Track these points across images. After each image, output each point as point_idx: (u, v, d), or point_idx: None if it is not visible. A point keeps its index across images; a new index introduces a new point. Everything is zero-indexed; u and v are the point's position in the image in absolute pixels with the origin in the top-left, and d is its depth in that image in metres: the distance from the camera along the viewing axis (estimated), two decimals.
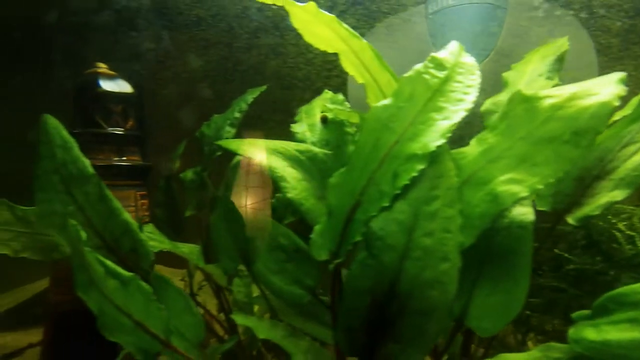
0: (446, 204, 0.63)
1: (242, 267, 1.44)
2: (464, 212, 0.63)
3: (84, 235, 0.75)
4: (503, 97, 1.09)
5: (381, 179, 0.70)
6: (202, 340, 0.87)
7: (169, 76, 1.60)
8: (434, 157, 0.66)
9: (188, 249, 1.27)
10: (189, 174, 1.38)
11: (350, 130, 1.08)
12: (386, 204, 0.66)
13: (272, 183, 1.29)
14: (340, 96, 1.20)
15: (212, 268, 1.23)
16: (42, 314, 1.65)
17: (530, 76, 1.09)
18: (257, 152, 1.30)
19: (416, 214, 0.64)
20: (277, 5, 0.76)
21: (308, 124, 1.17)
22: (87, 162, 0.90)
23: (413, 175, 0.65)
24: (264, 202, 1.29)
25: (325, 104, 1.25)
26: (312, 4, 0.77)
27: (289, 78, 1.55)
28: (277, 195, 1.38)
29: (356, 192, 0.72)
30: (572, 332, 0.63)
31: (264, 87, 1.49)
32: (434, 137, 0.67)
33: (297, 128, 1.15)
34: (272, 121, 1.13)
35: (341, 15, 1.38)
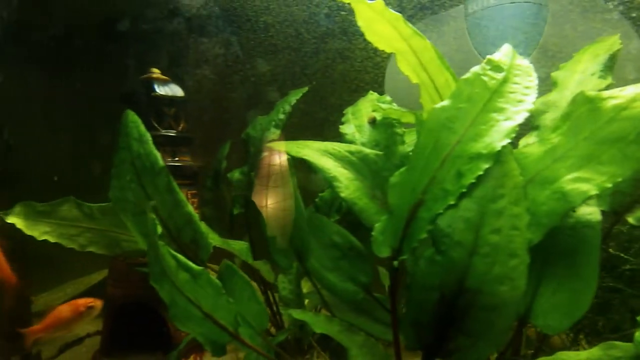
0: (512, 202, 0.65)
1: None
2: (530, 210, 0.65)
3: (159, 229, 0.80)
4: (553, 96, 1.09)
5: (444, 178, 0.71)
6: (265, 328, 0.90)
7: (238, 80, 1.67)
8: (498, 157, 0.68)
9: (237, 246, 1.31)
10: (235, 174, 1.43)
11: (399, 130, 1.10)
12: (452, 202, 0.68)
13: (324, 183, 1.32)
14: (388, 97, 1.22)
15: (260, 264, 1.27)
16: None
17: (581, 75, 1.08)
18: (278, 152, 1.34)
19: (483, 211, 0.66)
20: (345, 11, 0.79)
21: (356, 125, 1.19)
22: (158, 155, 0.97)
23: (479, 174, 0.67)
24: (285, 202, 1.32)
25: (370, 105, 1.27)
26: (380, 1, 0.80)
27: (357, 81, 1.59)
28: (321, 194, 1.42)
29: (418, 190, 0.74)
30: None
31: (306, 89, 1.53)
32: (498, 137, 0.69)
33: (346, 129, 1.18)
34: (340, 123, 1.17)
35: (409, 20, 1.41)
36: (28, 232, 1.03)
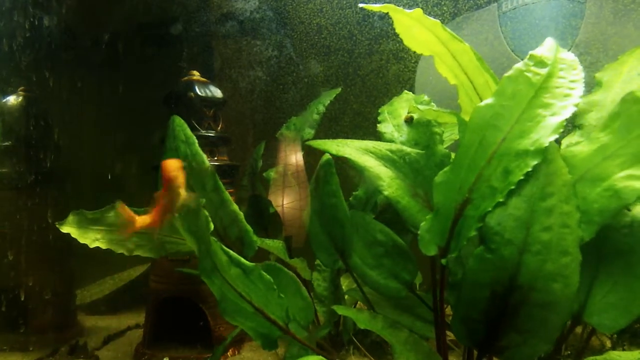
0: (562, 199, 0.65)
1: (318, 261, 1.50)
2: (580, 207, 0.65)
3: (212, 226, 0.84)
4: (597, 96, 1.08)
5: (491, 175, 0.72)
6: (310, 322, 0.93)
7: (290, 81, 1.71)
8: (545, 154, 0.68)
9: (274, 244, 1.34)
10: (272, 173, 1.46)
11: (438, 130, 1.11)
12: (500, 200, 0.68)
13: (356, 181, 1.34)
14: (426, 97, 1.23)
15: (296, 262, 1.30)
16: (133, 300, 1.81)
17: (627, 76, 1.07)
18: (293, 152, 1.36)
19: (532, 209, 0.66)
20: None
21: (394, 125, 1.21)
22: (204, 156, 1.01)
23: (527, 171, 0.68)
24: (301, 201, 1.33)
25: (406, 104, 1.28)
26: (419, 10, 0.82)
27: (411, 82, 1.62)
28: (355, 193, 1.44)
29: (464, 189, 0.75)
30: None
31: (338, 90, 1.56)
32: (545, 133, 0.69)
33: (384, 128, 1.19)
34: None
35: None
36: (81, 240, 1.04)
